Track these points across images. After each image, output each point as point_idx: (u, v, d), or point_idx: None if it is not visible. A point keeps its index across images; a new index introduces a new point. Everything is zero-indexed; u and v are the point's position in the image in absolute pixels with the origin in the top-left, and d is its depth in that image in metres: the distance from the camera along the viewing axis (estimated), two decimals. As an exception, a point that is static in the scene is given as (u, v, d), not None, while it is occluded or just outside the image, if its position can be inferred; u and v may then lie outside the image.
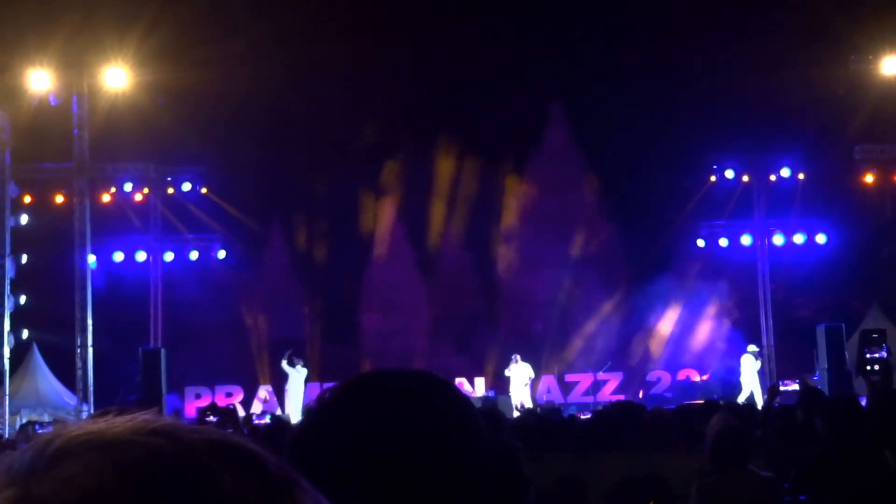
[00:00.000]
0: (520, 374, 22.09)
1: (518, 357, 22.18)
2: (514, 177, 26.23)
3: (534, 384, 22.81)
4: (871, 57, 22.41)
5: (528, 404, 21.76)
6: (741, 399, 20.25)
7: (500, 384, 23.31)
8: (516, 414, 19.92)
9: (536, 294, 25.28)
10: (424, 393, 1.36)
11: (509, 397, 21.93)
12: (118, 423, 0.77)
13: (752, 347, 22.29)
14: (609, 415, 9.28)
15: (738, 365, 22.40)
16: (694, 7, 23.18)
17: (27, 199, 23.65)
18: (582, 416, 16.03)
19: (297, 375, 22.49)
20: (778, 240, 24.86)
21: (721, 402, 12.07)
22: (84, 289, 22.12)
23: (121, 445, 0.74)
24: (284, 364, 22.42)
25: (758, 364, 21.87)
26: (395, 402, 1.33)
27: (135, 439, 0.75)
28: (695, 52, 23.23)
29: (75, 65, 21.60)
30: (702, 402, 12.84)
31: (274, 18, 23.39)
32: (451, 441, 1.31)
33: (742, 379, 21.79)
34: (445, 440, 1.30)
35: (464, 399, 1.41)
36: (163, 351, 22.23)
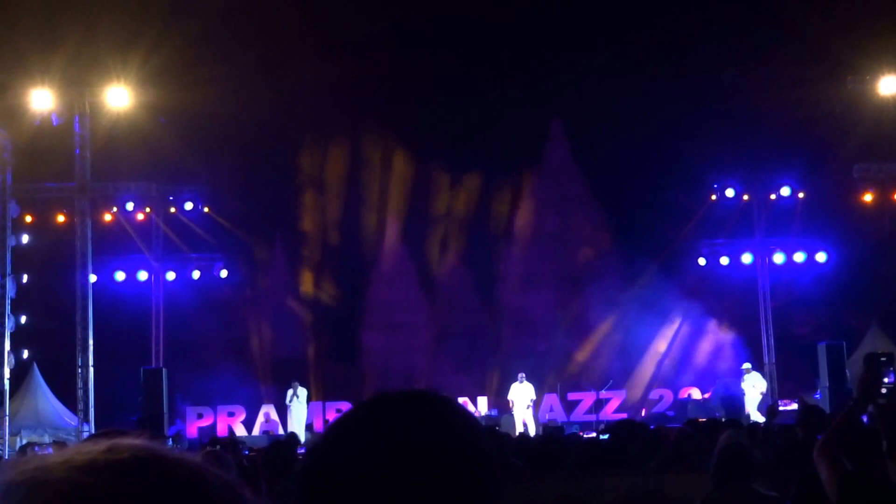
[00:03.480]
0: (523, 394, 22.06)
1: (523, 376, 22.13)
2: (515, 194, 26.27)
3: (536, 403, 22.77)
4: (868, 77, 22.53)
5: (531, 424, 21.72)
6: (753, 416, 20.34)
7: (502, 403, 23.28)
8: (520, 431, 19.93)
9: (538, 312, 25.27)
10: (436, 413, 1.39)
11: (512, 416, 21.90)
12: (59, 456, 0.81)
13: (745, 365, 22.48)
14: (611, 433, 9.29)
15: (740, 382, 22.49)
16: (694, 27, 23.31)
17: (28, 218, 23.70)
18: (584, 435, 16.02)
19: (297, 399, 22.49)
20: (778, 258, 24.91)
21: (723, 420, 12.07)
22: (85, 308, 22.11)
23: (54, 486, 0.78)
24: (288, 400, 22.44)
25: (750, 380, 22.02)
26: (408, 423, 1.36)
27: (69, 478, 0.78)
28: (695, 72, 23.36)
29: (77, 84, 21.67)
30: (704, 420, 12.84)
31: (275, 37, 23.50)
32: (466, 456, 1.34)
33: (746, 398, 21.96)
34: (460, 455, 1.34)
35: (471, 416, 1.44)
36: (164, 371, 22.24)
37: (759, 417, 20.29)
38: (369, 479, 1.30)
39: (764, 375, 24.30)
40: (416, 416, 1.37)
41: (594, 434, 16.58)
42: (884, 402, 3.91)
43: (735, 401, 22.14)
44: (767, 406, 17.07)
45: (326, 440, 1.38)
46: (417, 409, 1.39)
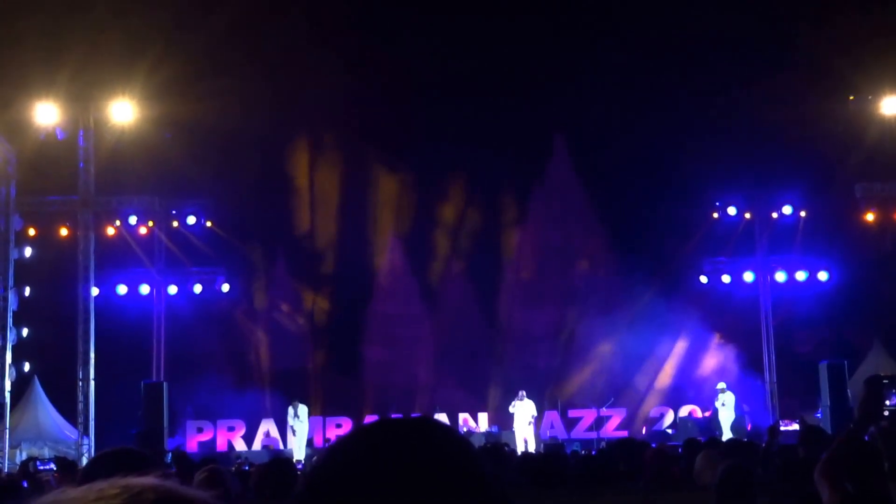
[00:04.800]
0: (524, 411, 22.00)
1: (524, 393, 22.09)
2: (517, 210, 26.30)
3: (537, 420, 22.71)
4: (870, 97, 22.60)
5: (532, 442, 21.66)
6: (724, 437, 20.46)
7: (503, 419, 23.24)
8: (521, 450, 19.87)
9: (539, 329, 25.25)
10: (435, 437, 1.41)
11: (513, 433, 21.84)
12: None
13: (720, 385, 22.51)
14: (612, 452, 9.29)
15: (741, 401, 22.51)
16: (697, 45, 23.40)
17: (32, 231, 23.75)
18: (584, 454, 16.00)
19: (297, 418, 22.48)
20: (780, 276, 24.91)
21: (723, 440, 12.06)
22: (87, 321, 22.12)
23: None
24: (290, 420, 22.42)
25: (723, 399, 22.14)
26: (408, 446, 1.38)
27: None
28: (698, 90, 23.43)
29: (82, 99, 21.77)
30: (705, 440, 12.82)
31: (278, 52, 23.61)
32: (464, 479, 1.37)
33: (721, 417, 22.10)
34: (459, 478, 1.37)
35: (468, 441, 1.47)
36: (165, 384, 22.23)
37: (729, 436, 20.31)
38: (370, 499, 1.32)
39: (765, 394, 24.30)
40: (415, 439, 1.39)
41: (595, 453, 16.57)
42: (886, 425, 3.92)
43: (736, 419, 22.20)
44: (769, 426, 17.05)
45: (328, 460, 1.41)
46: (416, 433, 1.41)
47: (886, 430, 3.91)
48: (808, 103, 21.80)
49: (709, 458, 6.90)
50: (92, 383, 21.92)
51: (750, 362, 24.46)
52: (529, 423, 21.96)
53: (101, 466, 2.99)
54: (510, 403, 22.40)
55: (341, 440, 1.44)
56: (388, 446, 1.38)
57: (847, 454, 3.99)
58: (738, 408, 22.62)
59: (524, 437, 21.73)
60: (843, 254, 24.58)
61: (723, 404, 22.17)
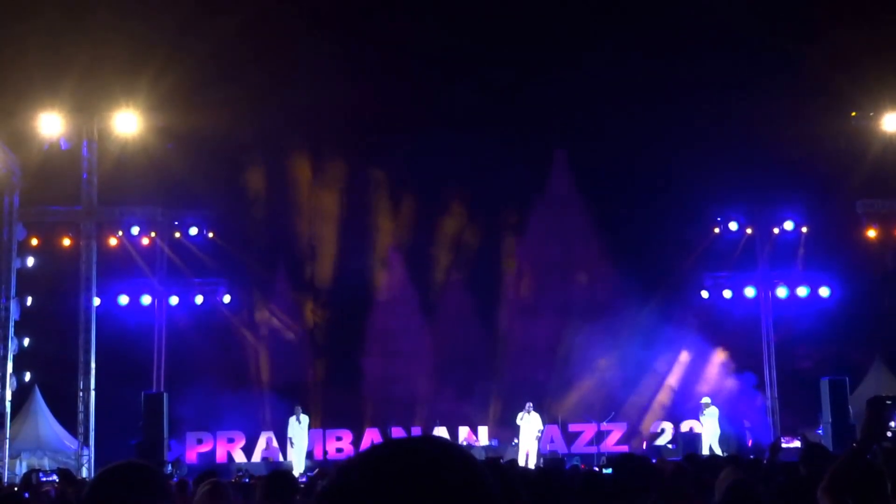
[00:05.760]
0: (531, 424, 21.89)
1: (531, 406, 21.98)
2: (518, 224, 26.33)
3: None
4: (872, 113, 22.67)
5: (533, 456, 21.55)
6: (705, 451, 20.50)
7: (503, 433, 23.18)
8: (522, 463, 19.79)
9: (539, 342, 25.24)
10: (442, 457, 1.43)
11: (515, 446, 21.73)
12: None
13: (705, 400, 22.47)
14: (612, 467, 9.26)
15: (742, 417, 22.44)
16: (698, 61, 23.48)
17: (34, 241, 23.76)
18: (584, 467, 15.97)
19: (298, 424, 22.46)
20: (781, 292, 24.91)
21: (724, 455, 12.05)
22: (88, 331, 22.13)
23: None
24: (291, 427, 22.41)
25: (708, 414, 22.12)
26: (416, 465, 1.41)
27: None
28: (700, 105, 23.49)
29: (86, 109, 21.86)
30: (706, 455, 12.82)
31: (281, 65, 23.69)
32: (471, 496, 1.39)
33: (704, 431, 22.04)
34: (466, 496, 1.39)
35: (474, 460, 1.49)
36: (165, 395, 22.23)
37: (717, 451, 20.30)
38: None
39: (766, 410, 24.25)
40: (421, 459, 1.42)
41: (596, 468, 16.55)
42: (889, 445, 3.93)
43: (736, 435, 22.13)
44: (770, 443, 17.05)
45: (336, 482, 1.43)
46: (421, 453, 1.44)
47: (889, 451, 3.92)
48: (809, 119, 21.87)
49: (734, 473, 6.87)
50: (92, 393, 21.92)
51: (751, 378, 24.42)
52: (536, 438, 21.82)
53: (110, 480, 3.01)
54: (511, 416, 22.33)
55: (348, 461, 1.46)
56: (394, 467, 1.40)
57: (850, 473, 4.00)
58: (736, 423, 22.58)
59: (527, 450, 21.60)
60: (844, 270, 24.58)
61: (708, 419, 22.10)
